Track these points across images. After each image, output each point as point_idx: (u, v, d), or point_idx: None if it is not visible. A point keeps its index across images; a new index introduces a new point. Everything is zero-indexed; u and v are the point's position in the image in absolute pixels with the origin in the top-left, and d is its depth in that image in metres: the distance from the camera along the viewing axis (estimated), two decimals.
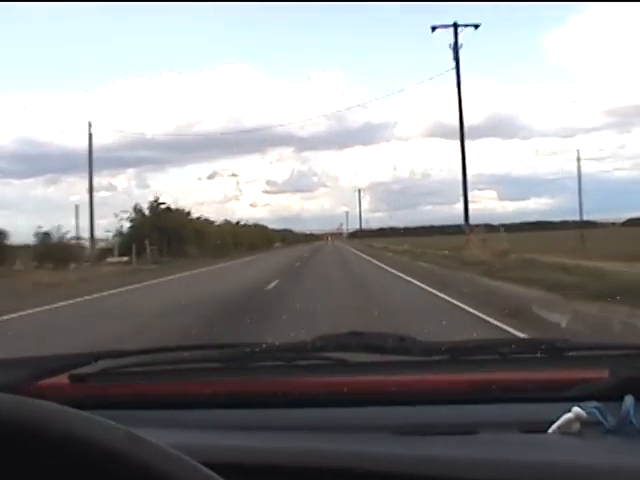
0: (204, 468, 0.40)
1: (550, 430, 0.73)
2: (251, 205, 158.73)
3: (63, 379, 0.89)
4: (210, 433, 0.72)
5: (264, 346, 0.99)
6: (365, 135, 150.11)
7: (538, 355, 0.94)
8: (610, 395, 0.77)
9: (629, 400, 0.73)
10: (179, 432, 0.70)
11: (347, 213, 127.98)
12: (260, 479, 0.63)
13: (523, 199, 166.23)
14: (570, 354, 0.98)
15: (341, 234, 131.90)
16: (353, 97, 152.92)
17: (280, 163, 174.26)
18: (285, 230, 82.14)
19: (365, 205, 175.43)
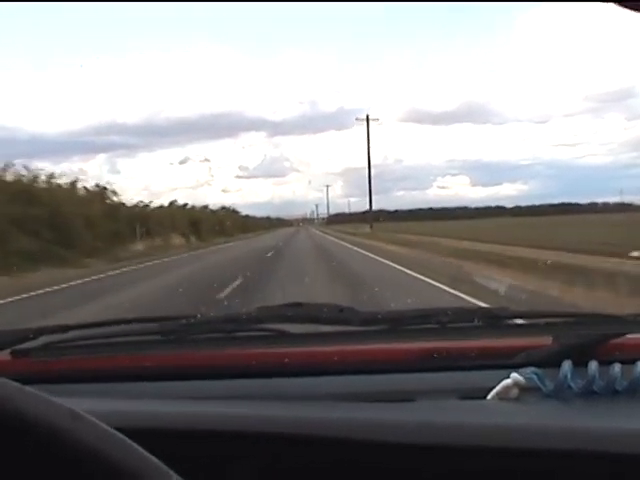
0: (143, 450, 0.43)
1: (489, 396, 0.81)
2: (223, 190, 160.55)
3: (5, 355, 0.96)
4: (151, 402, 0.79)
5: (203, 318, 1.08)
6: (338, 120, 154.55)
7: (477, 323, 1.03)
8: (550, 362, 0.86)
9: (567, 365, 0.81)
10: (119, 402, 0.77)
11: (317, 203, 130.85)
12: (199, 444, 0.68)
13: (496, 184, 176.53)
14: (509, 322, 1.08)
15: (313, 220, 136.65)
16: (327, 80, 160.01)
17: (252, 148, 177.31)
18: (246, 216, 79.11)
19: (338, 190, 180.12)
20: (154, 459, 0.43)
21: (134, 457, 0.43)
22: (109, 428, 0.44)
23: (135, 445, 0.43)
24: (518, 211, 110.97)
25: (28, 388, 0.44)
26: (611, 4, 0.55)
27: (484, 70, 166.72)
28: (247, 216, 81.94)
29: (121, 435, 0.43)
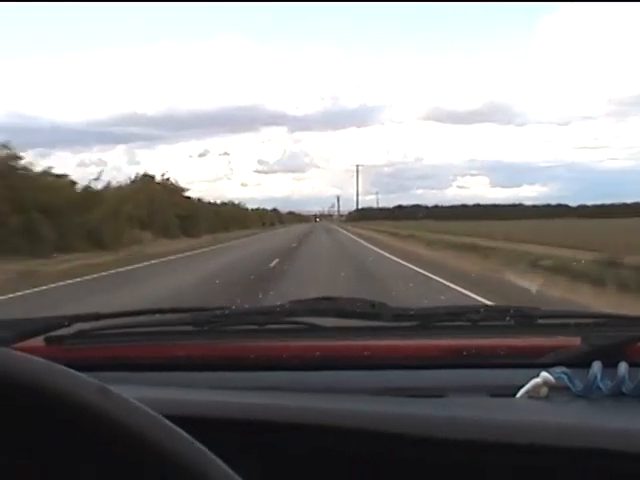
0: (173, 425, 0.45)
1: (518, 395, 0.88)
2: (242, 184, 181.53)
3: (39, 341, 1.05)
4: (183, 390, 0.88)
5: (235, 310, 1.17)
6: (359, 117, 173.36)
7: (508, 322, 1.11)
8: (579, 362, 0.93)
9: (597, 366, 0.88)
10: (151, 389, 0.86)
11: (338, 196, 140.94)
12: (231, 432, 0.76)
13: (515, 186, 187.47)
14: (540, 322, 1.15)
15: (331, 215, 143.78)
16: (351, 77, 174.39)
17: (272, 143, 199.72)
18: (262, 210, 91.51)
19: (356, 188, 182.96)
20: (186, 435, 0.45)
21: (167, 433, 0.44)
22: (140, 405, 0.45)
23: (168, 422, 0.45)
24: (542, 211, 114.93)
25: (55, 364, 0.46)
26: (637, 4, 0.52)
27: (507, 71, 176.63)
28: (256, 209, 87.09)
29: (153, 411, 0.45)
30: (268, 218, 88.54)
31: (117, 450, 0.44)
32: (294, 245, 23.21)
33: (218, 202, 54.71)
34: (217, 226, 41.92)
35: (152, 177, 36.23)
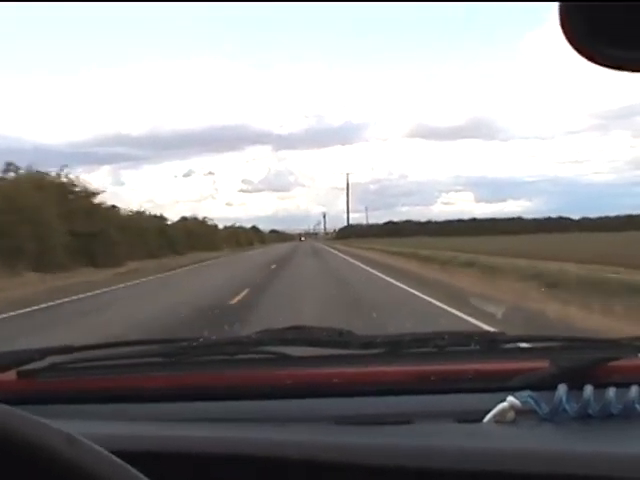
0: (140, 475, 0.48)
1: (485, 419, 0.92)
2: (227, 204, 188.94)
3: (11, 375, 1.08)
4: (153, 425, 0.93)
5: (205, 341, 1.22)
6: (344, 134, 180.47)
7: (475, 347, 1.16)
8: (545, 385, 0.97)
9: (562, 388, 0.92)
10: (122, 424, 0.91)
11: (324, 213, 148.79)
12: (203, 468, 0.80)
13: (500, 201, 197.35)
14: (506, 346, 1.21)
15: (316, 234, 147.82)
16: (335, 95, 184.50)
17: (257, 162, 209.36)
18: (238, 228, 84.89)
19: (342, 205, 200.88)
20: None
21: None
22: (106, 452, 0.48)
23: (132, 469, 0.48)
24: (539, 224, 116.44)
25: (24, 412, 0.49)
26: None
27: (491, 87, 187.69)
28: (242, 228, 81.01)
29: (118, 459, 0.48)
30: (244, 237, 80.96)
31: None
32: (258, 281, 14.22)
33: (175, 218, 46.82)
34: (161, 248, 33.04)
35: (43, 174, 23.24)
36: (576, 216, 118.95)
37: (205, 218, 55.05)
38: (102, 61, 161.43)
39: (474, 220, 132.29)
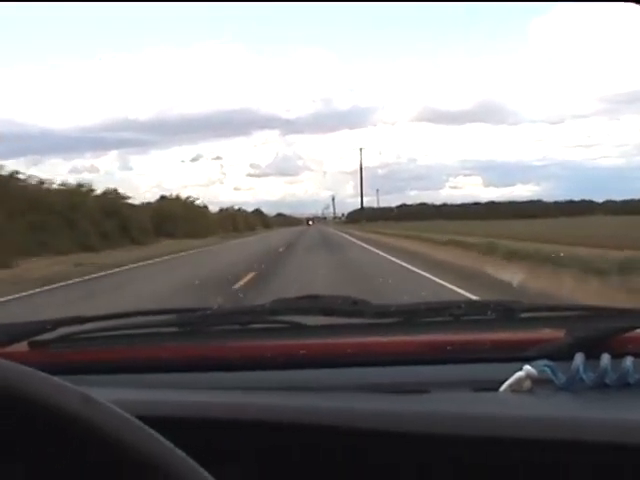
0: (155, 433, 0.50)
1: (501, 388, 0.96)
2: (235, 189, 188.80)
3: (23, 346, 1.14)
4: (167, 392, 0.96)
5: (219, 310, 1.28)
6: (352, 119, 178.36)
7: (491, 316, 1.21)
8: (562, 354, 1.01)
9: (579, 358, 0.96)
10: (135, 392, 0.94)
11: (333, 196, 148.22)
12: (217, 433, 0.84)
13: (509, 185, 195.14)
14: (523, 315, 1.24)
15: (325, 218, 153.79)
16: (342, 78, 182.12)
17: (265, 146, 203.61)
18: (237, 211, 79.83)
19: (350, 190, 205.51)
20: (167, 442, 0.50)
21: (147, 439, 0.50)
22: (122, 412, 0.51)
23: (149, 429, 0.50)
24: (562, 208, 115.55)
25: (40, 372, 0.51)
26: (628, 4, 0.63)
27: (500, 70, 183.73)
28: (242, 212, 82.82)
29: (135, 419, 0.50)
30: (244, 221, 75.31)
31: (101, 458, 0.49)
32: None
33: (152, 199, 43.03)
34: (109, 236, 25.77)
35: None
36: (599, 199, 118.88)
37: (190, 198, 48.06)
38: (109, 46, 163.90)
39: (492, 203, 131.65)
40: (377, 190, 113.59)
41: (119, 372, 1.08)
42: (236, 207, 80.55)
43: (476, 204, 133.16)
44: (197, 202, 48.94)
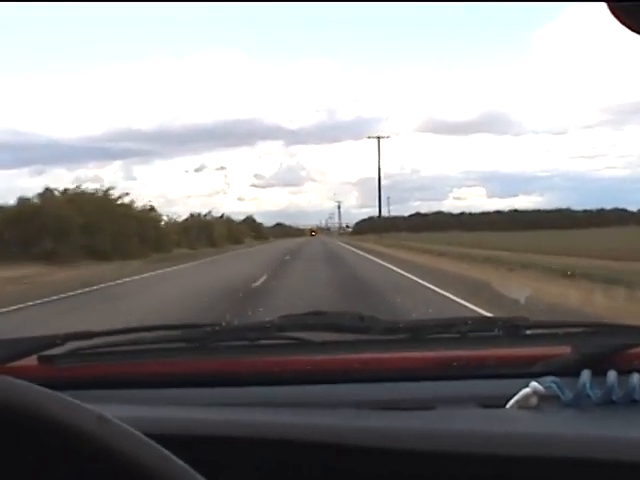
0: (169, 453, 0.54)
1: (508, 405, 1.03)
2: (239, 199, 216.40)
3: (32, 361, 1.23)
4: (177, 409, 1.04)
5: (227, 326, 1.39)
6: (355, 129, 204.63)
7: (497, 333, 1.31)
8: (568, 371, 1.09)
9: (586, 374, 1.03)
10: (145, 408, 1.01)
11: (339, 203, 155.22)
12: (226, 450, 0.89)
13: (511, 196, 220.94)
14: (529, 332, 1.35)
15: (329, 229, 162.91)
16: (346, 89, 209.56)
17: (269, 157, 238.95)
18: (214, 219, 68.83)
19: (353, 201, 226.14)
20: (181, 462, 0.54)
21: (162, 460, 0.53)
22: (138, 432, 0.55)
23: (164, 450, 0.54)
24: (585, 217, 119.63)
25: (55, 392, 0.55)
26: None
27: (504, 81, 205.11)
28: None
29: (149, 440, 0.54)
30: (225, 232, 63.92)
31: (115, 478, 0.52)
32: None
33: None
34: None
35: None
36: (633, 208, 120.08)
37: (123, 195, 35.40)
38: (113, 56, 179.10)
39: (515, 211, 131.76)
40: (388, 198, 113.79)
41: (127, 387, 1.17)
42: (218, 214, 70.89)
43: (498, 212, 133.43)
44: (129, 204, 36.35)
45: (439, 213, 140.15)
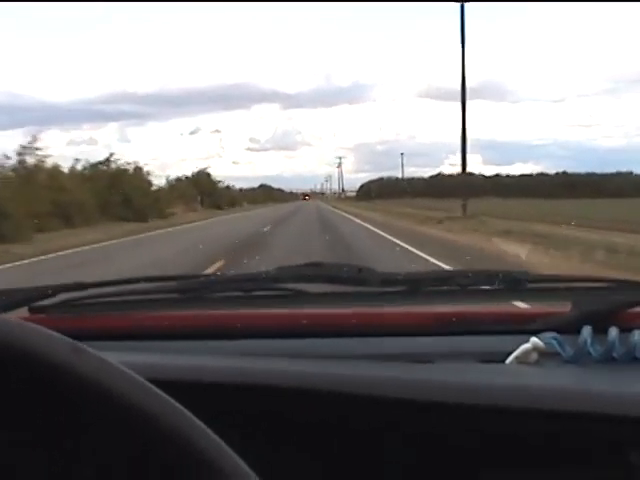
0: (147, 382, 0.61)
1: (508, 360, 1.20)
2: (233, 162, 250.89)
3: (23, 312, 1.43)
4: (166, 356, 1.17)
5: (221, 276, 1.65)
6: (352, 94, 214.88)
7: (497, 287, 1.50)
8: (569, 327, 1.27)
9: (586, 331, 1.20)
10: (135, 356, 1.11)
11: (339, 164, 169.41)
12: (217, 397, 1.01)
13: (507, 164, 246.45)
14: (530, 286, 1.55)
15: (323, 193, 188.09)
16: (343, 54, 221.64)
17: (264, 120, 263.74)
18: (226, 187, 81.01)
19: (348, 165, 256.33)
20: (161, 393, 0.60)
21: (140, 391, 0.59)
22: (114, 362, 0.61)
23: (143, 380, 0.61)
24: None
25: (29, 323, 0.62)
26: None
27: (502, 47, 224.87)
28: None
29: (127, 370, 0.61)
30: (161, 197, 50.32)
31: (92, 409, 0.58)
32: None
33: None
34: None
35: None
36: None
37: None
38: (107, 18, 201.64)
39: (564, 174, 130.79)
40: (402, 154, 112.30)
41: (119, 339, 1.36)
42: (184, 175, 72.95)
43: (542, 175, 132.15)
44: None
45: (470, 175, 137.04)
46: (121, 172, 42.94)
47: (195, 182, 72.34)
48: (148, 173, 48.78)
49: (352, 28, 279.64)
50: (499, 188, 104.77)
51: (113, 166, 43.33)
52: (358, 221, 37.17)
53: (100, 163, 43.09)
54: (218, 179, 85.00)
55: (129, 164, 45.51)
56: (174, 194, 59.18)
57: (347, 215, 49.71)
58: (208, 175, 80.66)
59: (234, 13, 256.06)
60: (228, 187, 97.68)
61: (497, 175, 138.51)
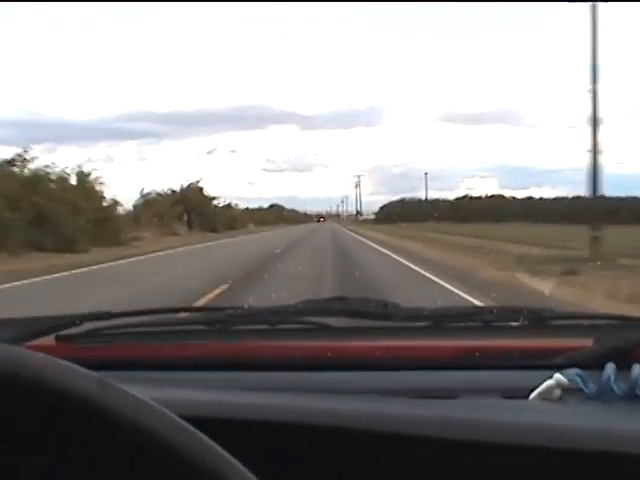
0: (175, 416, 0.64)
1: (531, 396, 1.26)
2: (249, 183, 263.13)
3: (50, 340, 1.51)
4: (190, 391, 1.20)
5: (248, 309, 1.72)
6: (369, 116, 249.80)
7: (521, 323, 1.61)
8: (593, 363, 1.33)
9: (610, 368, 1.25)
10: (162, 390, 1.14)
11: (358, 183, 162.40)
12: (241, 433, 1.04)
13: (523, 188, 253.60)
14: (554, 323, 1.66)
15: (338, 215, 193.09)
16: (361, 77, 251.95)
17: (281, 141, 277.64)
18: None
19: (365, 188, 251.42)
20: (194, 430, 0.63)
21: (168, 425, 0.62)
22: (141, 397, 0.64)
23: (171, 413, 0.64)
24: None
25: (56, 359, 0.64)
26: None
27: (520, 72, 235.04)
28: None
29: (154, 404, 0.63)
30: (113, 215, 41.24)
31: (118, 443, 0.61)
32: None
33: None
34: None
35: None
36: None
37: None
38: (127, 37, 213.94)
39: (602, 197, 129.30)
40: (425, 174, 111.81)
41: (146, 369, 1.44)
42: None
43: (577, 198, 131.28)
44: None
45: (501, 198, 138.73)
46: (39, 178, 33.06)
47: (182, 198, 64.13)
48: (99, 182, 39.57)
49: (370, 50, 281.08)
50: (530, 212, 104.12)
51: (31, 167, 33.38)
52: (405, 262, 23.20)
53: (7, 162, 32.73)
54: (213, 195, 75.78)
55: (66, 168, 36.82)
56: (149, 212, 52.04)
57: (374, 245, 37.13)
58: (200, 190, 70.62)
59: (252, 35, 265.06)
60: (230, 205, 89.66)
61: (529, 198, 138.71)
